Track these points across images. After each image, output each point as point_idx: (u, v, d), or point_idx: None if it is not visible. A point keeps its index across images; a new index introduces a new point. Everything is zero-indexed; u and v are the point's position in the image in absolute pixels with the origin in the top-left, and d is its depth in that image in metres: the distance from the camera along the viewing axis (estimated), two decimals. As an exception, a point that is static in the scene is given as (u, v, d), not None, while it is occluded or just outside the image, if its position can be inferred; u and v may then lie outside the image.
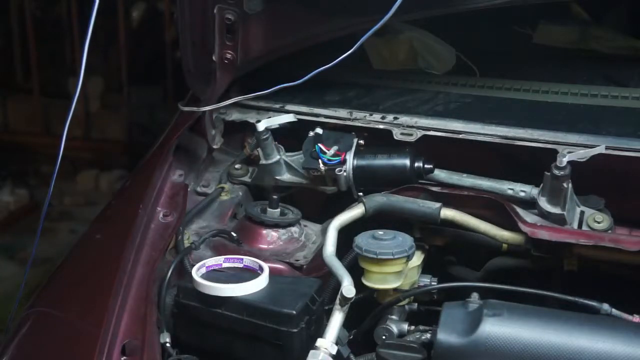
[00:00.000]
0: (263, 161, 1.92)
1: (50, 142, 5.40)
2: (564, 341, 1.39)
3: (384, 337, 1.58)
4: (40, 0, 5.94)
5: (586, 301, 1.52)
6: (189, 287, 1.61)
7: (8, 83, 6.10)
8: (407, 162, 1.81)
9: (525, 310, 1.47)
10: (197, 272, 1.61)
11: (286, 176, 1.94)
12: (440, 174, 1.83)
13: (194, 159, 2.05)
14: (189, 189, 1.95)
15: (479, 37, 2.31)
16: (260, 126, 1.88)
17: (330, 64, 1.77)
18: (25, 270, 3.49)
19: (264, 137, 1.88)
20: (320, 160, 1.84)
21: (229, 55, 1.94)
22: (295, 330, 1.52)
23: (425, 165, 1.81)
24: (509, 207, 1.69)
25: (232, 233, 1.84)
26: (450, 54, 2.27)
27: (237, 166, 2.03)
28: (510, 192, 1.76)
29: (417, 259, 1.70)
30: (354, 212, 1.72)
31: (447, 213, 1.71)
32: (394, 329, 1.59)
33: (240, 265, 1.68)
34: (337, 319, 1.49)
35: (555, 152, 1.71)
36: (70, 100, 1.86)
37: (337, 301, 1.50)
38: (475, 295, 1.51)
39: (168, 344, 1.57)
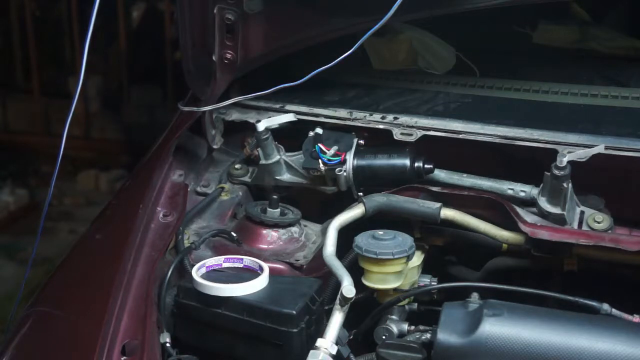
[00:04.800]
0: (263, 161, 1.92)
1: (50, 142, 5.41)
2: (564, 341, 1.39)
3: (384, 337, 1.58)
4: (40, 0, 5.94)
5: (586, 301, 1.52)
6: (189, 287, 1.62)
7: (8, 83, 6.11)
8: (407, 162, 1.81)
9: (525, 310, 1.47)
10: (197, 272, 1.61)
11: (286, 176, 1.94)
12: (440, 174, 1.83)
13: (194, 159, 2.05)
14: (189, 189, 1.95)
15: (479, 37, 2.31)
16: (260, 126, 1.88)
17: (330, 64, 1.77)
18: (25, 270, 3.49)
19: (264, 137, 1.88)
20: (320, 160, 1.84)
21: (229, 55, 1.94)
22: (295, 330, 1.52)
23: (425, 165, 1.81)
24: (509, 207, 1.69)
25: (232, 233, 1.85)
26: (450, 54, 2.27)
27: (237, 166, 2.03)
28: (510, 192, 1.76)
29: (417, 259, 1.70)
30: (354, 212, 1.72)
31: (447, 213, 1.71)
32: (394, 329, 1.59)
33: (240, 265, 1.68)
34: (337, 319, 1.49)
35: (555, 152, 1.71)
36: (70, 100, 1.86)
37: (337, 301, 1.49)
38: (475, 295, 1.51)
39: (168, 344, 1.57)
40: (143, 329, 1.56)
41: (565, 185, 1.63)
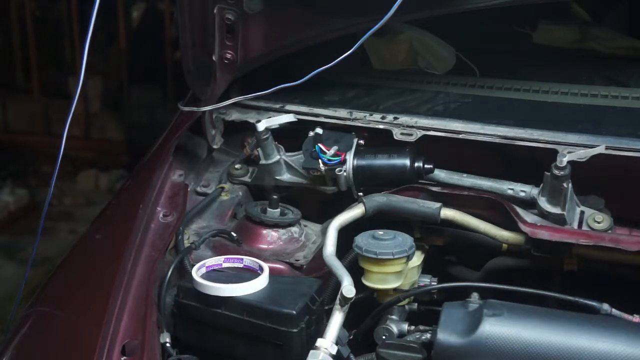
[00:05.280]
0: (263, 161, 1.92)
1: (50, 142, 5.41)
2: (564, 341, 1.39)
3: (384, 337, 1.58)
4: (40, 0, 5.94)
5: (586, 301, 1.52)
6: (189, 287, 1.62)
7: (8, 83, 6.10)
8: (407, 162, 1.81)
9: (525, 310, 1.47)
10: (197, 272, 1.61)
11: (286, 176, 1.94)
12: (440, 174, 1.83)
13: (194, 159, 2.05)
14: (189, 189, 1.95)
15: (479, 37, 2.31)
16: (260, 126, 1.88)
17: (330, 64, 1.77)
18: (25, 270, 3.49)
19: (264, 137, 1.88)
20: (320, 160, 1.84)
21: (229, 55, 1.94)
22: (295, 330, 1.52)
23: (425, 165, 1.81)
24: (509, 207, 1.69)
25: (232, 233, 1.85)
26: (450, 54, 2.27)
27: (237, 166, 2.03)
28: (510, 192, 1.76)
29: (417, 259, 1.70)
30: (354, 212, 1.72)
31: (447, 213, 1.71)
32: (394, 329, 1.59)
33: (240, 265, 1.68)
34: (337, 319, 1.49)
35: (555, 152, 1.71)
36: (70, 100, 1.86)
37: (337, 301, 1.49)
38: (475, 295, 1.51)
39: (168, 344, 1.57)
40: (143, 329, 1.56)
41: (565, 185, 1.63)
